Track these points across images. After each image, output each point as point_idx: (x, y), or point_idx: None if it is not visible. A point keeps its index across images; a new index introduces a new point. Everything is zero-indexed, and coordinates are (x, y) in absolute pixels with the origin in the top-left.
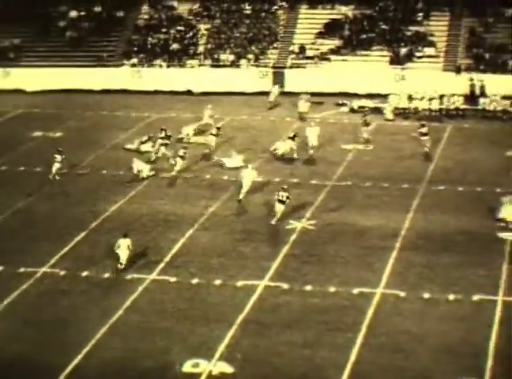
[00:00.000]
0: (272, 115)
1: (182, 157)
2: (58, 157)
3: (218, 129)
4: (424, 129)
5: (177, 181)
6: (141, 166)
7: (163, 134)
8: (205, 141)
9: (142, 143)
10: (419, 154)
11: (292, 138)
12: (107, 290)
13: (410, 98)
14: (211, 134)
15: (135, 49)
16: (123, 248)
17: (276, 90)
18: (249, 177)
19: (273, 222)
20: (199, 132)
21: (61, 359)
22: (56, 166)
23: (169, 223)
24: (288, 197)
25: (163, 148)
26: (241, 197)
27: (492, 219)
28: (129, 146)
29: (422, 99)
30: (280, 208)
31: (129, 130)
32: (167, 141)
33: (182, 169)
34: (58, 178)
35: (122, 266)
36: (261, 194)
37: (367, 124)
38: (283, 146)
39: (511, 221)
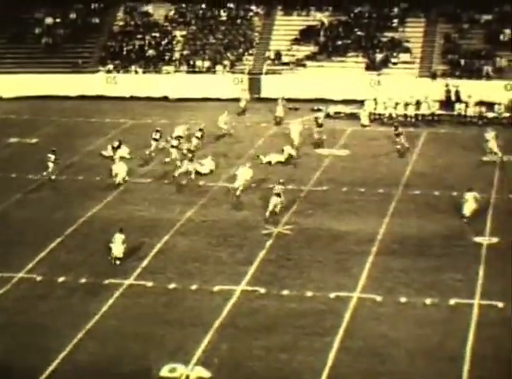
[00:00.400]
0: (249, 121)
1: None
2: (52, 157)
3: (201, 130)
4: (398, 130)
5: (153, 187)
6: (117, 171)
7: (173, 138)
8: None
9: (114, 148)
10: (396, 159)
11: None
12: (83, 295)
13: (386, 104)
14: (195, 137)
15: (111, 55)
16: (118, 242)
17: (245, 95)
18: (244, 174)
19: (267, 214)
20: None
21: (38, 364)
22: (50, 166)
23: (145, 228)
24: (283, 191)
25: (174, 151)
26: (238, 193)
27: (468, 223)
28: (104, 152)
29: (397, 104)
30: (276, 201)
31: (105, 136)
32: (175, 143)
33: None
34: (53, 177)
35: (118, 261)
36: (238, 199)
37: (319, 125)
38: (277, 157)
39: (469, 217)
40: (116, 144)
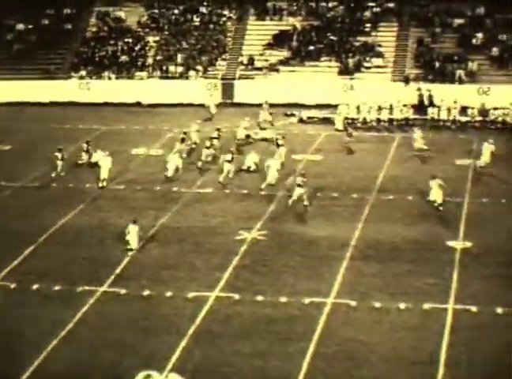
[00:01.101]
0: (222, 126)
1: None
2: (59, 155)
3: (218, 130)
4: (350, 132)
5: (127, 193)
6: (104, 175)
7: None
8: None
9: (85, 152)
10: (369, 163)
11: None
12: (57, 302)
13: (359, 108)
14: (212, 138)
15: (83, 61)
16: (133, 234)
17: (213, 101)
18: (274, 167)
19: (290, 202)
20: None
21: (11, 371)
22: (59, 164)
23: (119, 235)
24: (304, 182)
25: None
26: (263, 186)
27: (442, 227)
28: (80, 162)
29: (371, 109)
30: (299, 192)
31: (78, 142)
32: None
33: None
34: (63, 174)
35: (133, 250)
36: (210, 205)
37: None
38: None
39: (440, 203)
40: (85, 147)
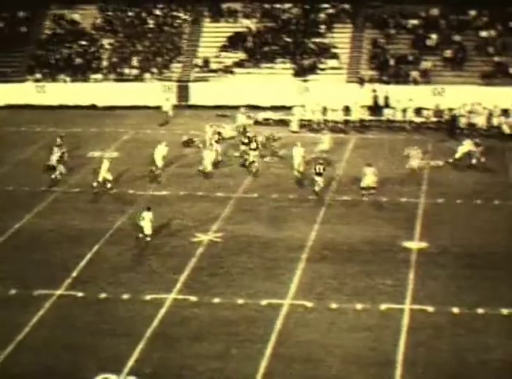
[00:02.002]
0: (178, 129)
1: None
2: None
3: (219, 134)
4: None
5: (84, 196)
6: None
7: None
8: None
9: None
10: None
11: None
12: (14, 306)
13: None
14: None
15: (39, 64)
16: (147, 220)
17: (170, 104)
18: (298, 153)
19: (316, 188)
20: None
21: None
22: (60, 168)
23: (76, 237)
24: (324, 169)
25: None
26: (301, 169)
27: (398, 228)
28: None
29: (325, 110)
30: (319, 180)
31: (35, 145)
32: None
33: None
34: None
35: (148, 238)
36: (166, 207)
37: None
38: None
39: (373, 187)
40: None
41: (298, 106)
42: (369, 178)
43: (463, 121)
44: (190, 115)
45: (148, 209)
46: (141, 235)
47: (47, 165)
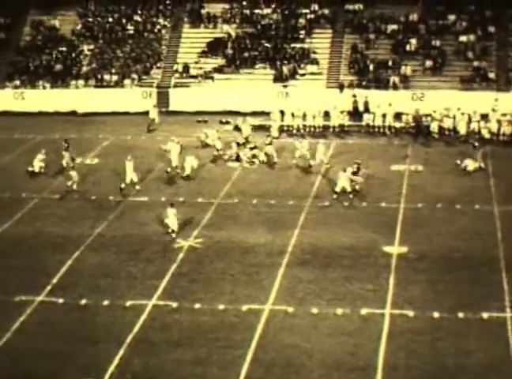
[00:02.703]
0: (158, 135)
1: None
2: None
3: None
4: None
5: (63, 203)
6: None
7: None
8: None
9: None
10: (305, 170)
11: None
12: None
13: (293, 115)
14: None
15: (18, 71)
16: (171, 217)
17: (156, 110)
18: (321, 150)
19: (357, 187)
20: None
21: None
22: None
23: (56, 244)
24: (358, 168)
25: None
26: (329, 166)
27: (378, 233)
28: (31, 168)
29: (305, 116)
30: (357, 179)
31: (14, 152)
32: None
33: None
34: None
35: (174, 234)
36: (146, 213)
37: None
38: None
39: (350, 191)
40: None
41: (276, 112)
42: (343, 182)
43: (434, 126)
44: (169, 121)
45: (172, 205)
46: (170, 232)
47: (63, 167)
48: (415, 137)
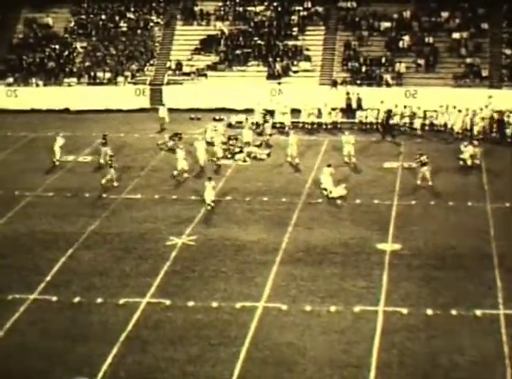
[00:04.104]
0: (151, 132)
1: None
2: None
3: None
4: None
5: (56, 200)
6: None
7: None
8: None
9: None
10: (297, 167)
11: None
12: None
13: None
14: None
15: (11, 68)
16: (209, 189)
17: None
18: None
19: (418, 182)
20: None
21: None
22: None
23: (49, 242)
24: (428, 158)
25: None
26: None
27: (371, 230)
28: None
29: (299, 113)
30: (425, 170)
31: (6, 150)
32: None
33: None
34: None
35: (209, 207)
36: (140, 211)
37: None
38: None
39: (331, 191)
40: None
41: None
42: (326, 180)
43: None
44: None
45: (209, 179)
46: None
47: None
48: (384, 131)
